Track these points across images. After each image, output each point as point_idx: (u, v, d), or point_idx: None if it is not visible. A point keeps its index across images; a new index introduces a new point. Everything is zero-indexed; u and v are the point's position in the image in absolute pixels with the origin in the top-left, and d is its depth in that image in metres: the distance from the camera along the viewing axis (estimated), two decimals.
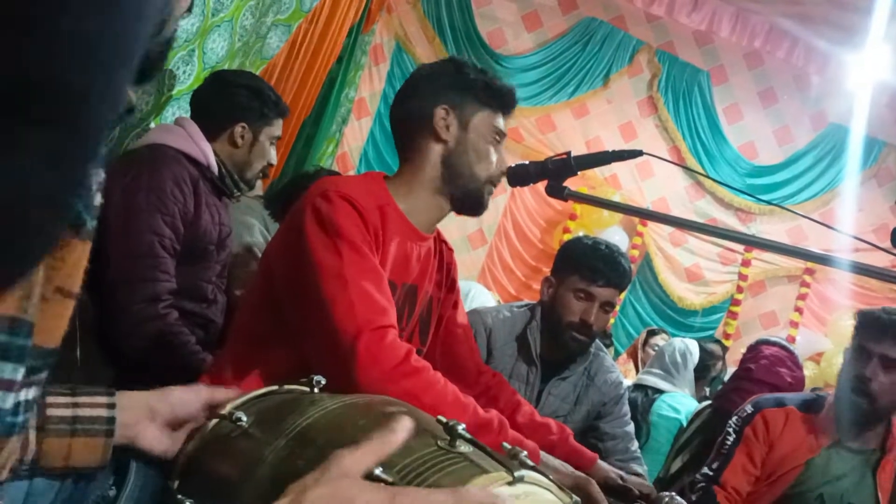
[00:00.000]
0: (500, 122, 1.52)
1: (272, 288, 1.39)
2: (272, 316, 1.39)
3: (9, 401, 0.53)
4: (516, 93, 1.56)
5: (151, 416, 0.92)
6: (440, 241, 1.63)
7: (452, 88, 1.50)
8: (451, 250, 1.67)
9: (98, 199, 0.59)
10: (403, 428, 0.68)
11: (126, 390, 0.91)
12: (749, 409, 2.19)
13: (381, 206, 1.41)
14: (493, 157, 1.50)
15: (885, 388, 1.99)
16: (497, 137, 1.51)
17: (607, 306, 2.08)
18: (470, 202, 1.51)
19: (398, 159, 1.56)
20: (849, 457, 2.08)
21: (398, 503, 0.60)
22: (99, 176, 0.58)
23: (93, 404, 0.85)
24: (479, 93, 1.50)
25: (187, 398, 0.95)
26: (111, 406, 0.86)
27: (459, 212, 1.54)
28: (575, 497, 0.79)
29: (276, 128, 2.20)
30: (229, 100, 2.11)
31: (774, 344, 2.86)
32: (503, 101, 1.52)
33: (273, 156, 2.21)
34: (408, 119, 1.52)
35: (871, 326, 2.04)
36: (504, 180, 1.49)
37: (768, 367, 2.70)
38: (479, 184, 1.49)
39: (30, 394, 0.55)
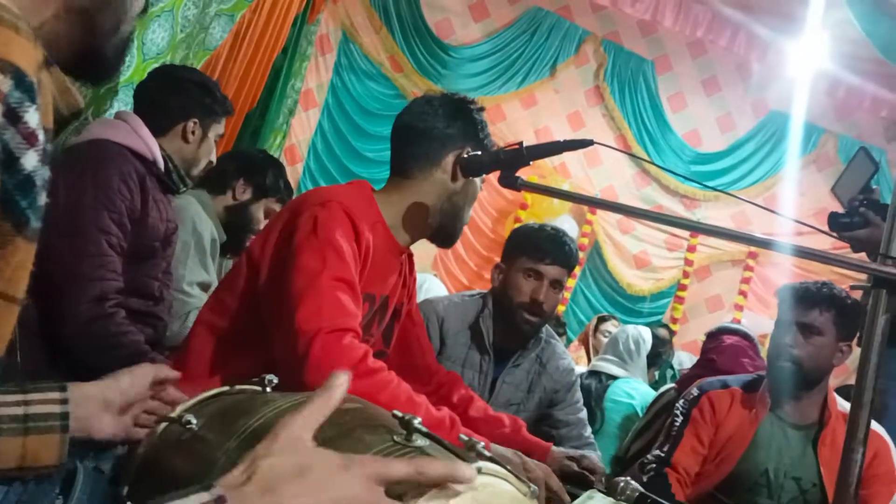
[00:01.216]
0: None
1: (252, 288, 1.38)
2: (247, 317, 1.38)
3: None
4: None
5: (105, 407, 0.90)
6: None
7: (475, 135, 1.56)
8: (412, 256, 1.70)
9: (43, 199, 0.56)
10: (340, 385, 0.67)
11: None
12: (695, 391, 2.25)
13: (374, 222, 1.46)
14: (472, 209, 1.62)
15: (807, 353, 2.07)
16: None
17: (556, 285, 2.12)
18: (449, 236, 1.62)
19: (390, 169, 1.59)
20: (791, 432, 2.14)
21: (354, 470, 0.59)
22: (45, 173, 0.55)
23: (45, 400, 0.82)
24: (487, 145, 1.57)
25: (136, 377, 0.95)
26: (64, 402, 0.83)
27: (434, 240, 1.63)
28: (533, 486, 0.79)
29: (222, 126, 2.22)
30: (182, 95, 2.11)
31: (735, 332, 2.90)
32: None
33: (214, 154, 2.23)
34: (430, 146, 1.54)
35: (787, 297, 2.17)
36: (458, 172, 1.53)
37: (730, 358, 2.76)
38: (462, 224, 1.60)
39: None
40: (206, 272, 2.37)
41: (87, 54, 0.69)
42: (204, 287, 2.35)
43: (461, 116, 1.55)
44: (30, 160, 0.53)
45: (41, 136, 0.54)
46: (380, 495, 0.60)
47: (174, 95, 2.11)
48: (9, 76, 0.50)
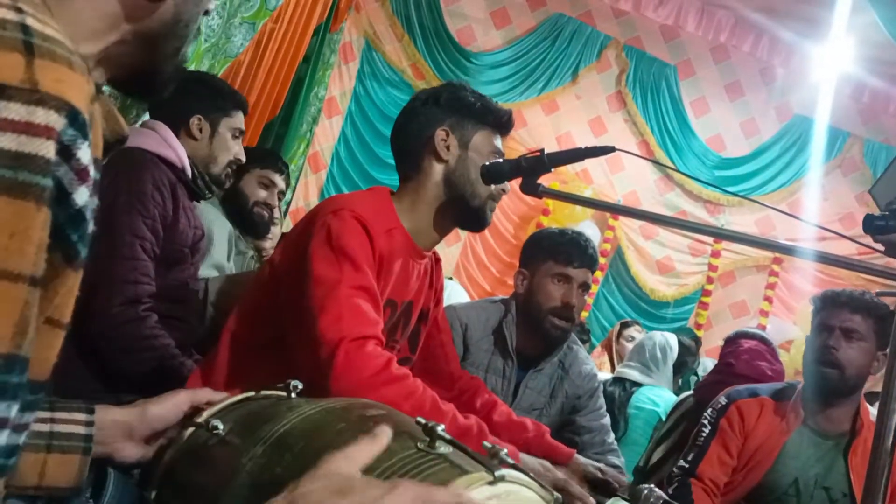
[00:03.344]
0: (499, 142, 1.58)
1: (275, 295, 1.40)
2: (268, 324, 1.39)
3: (2, 438, 0.51)
4: (512, 116, 1.60)
5: (129, 434, 0.90)
6: (432, 254, 1.66)
7: (452, 111, 1.55)
8: (439, 261, 1.70)
9: (91, 228, 0.58)
10: (384, 433, 0.68)
11: (105, 404, 0.89)
12: (723, 400, 2.22)
13: (389, 229, 1.45)
14: None
15: (849, 357, 2.06)
16: (497, 156, 1.55)
17: (584, 287, 2.13)
18: (473, 217, 1.56)
19: (398, 178, 1.60)
20: (821, 442, 2.11)
21: (398, 492, 0.58)
22: (93, 204, 0.57)
23: (70, 420, 0.83)
24: (477, 113, 1.55)
25: (166, 411, 0.93)
26: (89, 423, 0.84)
27: (463, 227, 1.59)
28: (556, 494, 0.79)
29: (236, 120, 2.18)
30: (180, 95, 2.08)
31: (753, 337, 2.86)
32: (501, 122, 1.57)
33: (238, 150, 2.19)
34: (410, 141, 1.56)
35: (829, 302, 2.14)
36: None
37: (749, 362, 2.72)
38: (481, 200, 1.54)
39: (20, 439, 0.53)
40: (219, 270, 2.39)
41: (147, 75, 0.72)
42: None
43: (435, 100, 1.56)
44: (81, 195, 0.55)
45: (92, 172, 0.56)
46: None
47: (173, 97, 2.11)
48: (63, 114, 0.51)
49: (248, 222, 2.60)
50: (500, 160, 1.43)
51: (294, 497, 0.57)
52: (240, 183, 2.54)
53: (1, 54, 0.50)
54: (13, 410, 0.51)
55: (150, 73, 0.73)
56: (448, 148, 1.53)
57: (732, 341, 2.89)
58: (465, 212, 1.55)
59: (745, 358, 2.75)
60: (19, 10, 0.52)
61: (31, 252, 0.51)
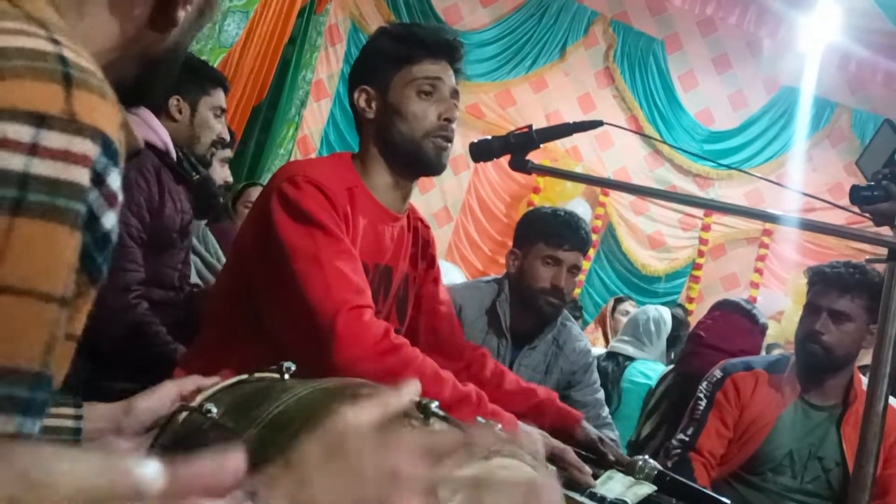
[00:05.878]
0: (425, 69, 1.46)
1: (244, 276, 1.39)
2: (244, 305, 1.38)
3: None
4: (431, 32, 1.51)
5: (117, 430, 0.90)
6: (415, 218, 1.63)
7: (364, 67, 1.52)
8: (427, 227, 1.67)
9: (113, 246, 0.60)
10: (409, 392, 0.64)
11: (93, 400, 0.89)
12: (718, 374, 2.23)
13: (349, 187, 1.40)
14: (421, 110, 1.45)
15: (837, 339, 2.05)
16: (426, 87, 1.45)
17: (574, 269, 2.13)
18: (416, 163, 1.47)
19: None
20: (814, 413, 2.13)
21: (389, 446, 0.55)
22: (118, 226, 0.59)
23: (58, 414, 0.83)
24: (388, 57, 1.48)
25: (154, 403, 0.93)
26: (78, 417, 0.84)
27: (416, 174, 1.52)
28: (551, 467, 0.79)
29: (216, 98, 2.14)
30: None
31: (725, 306, 2.82)
32: (417, 50, 1.47)
33: (221, 129, 2.15)
34: (353, 114, 1.56)
35: (818, 282, 2.12)
36: (468, 157, 1.49)
37: (716, 333, 2.69)
38: (416, 142, 1.45)
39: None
40: None
41: (137, 90, 0.74)
42: None
43: (357, 60, 1.55)
44: (109, 219, 0.57)
45: (120, 197, 0.58)
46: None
47: None
48: (97, 143, 0.54)
49: (211, 204, 2.48)
50: (489, 137, 1.41)
51: (289, 458, 0.55)
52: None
53: (43, 85, 0.52)
54: (37, 427, 0.53)
55: (140, 89, 0.75)
56: (370, 105, 1.48)
57: (709, 312, 2.88)
58: (406, 159, 1.47)
59: (712, 329, 2.73)
60: (56, 42, 0.55)
61: (63, 274, 0.53)
